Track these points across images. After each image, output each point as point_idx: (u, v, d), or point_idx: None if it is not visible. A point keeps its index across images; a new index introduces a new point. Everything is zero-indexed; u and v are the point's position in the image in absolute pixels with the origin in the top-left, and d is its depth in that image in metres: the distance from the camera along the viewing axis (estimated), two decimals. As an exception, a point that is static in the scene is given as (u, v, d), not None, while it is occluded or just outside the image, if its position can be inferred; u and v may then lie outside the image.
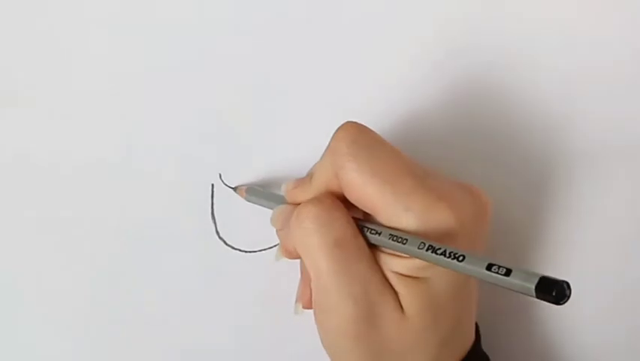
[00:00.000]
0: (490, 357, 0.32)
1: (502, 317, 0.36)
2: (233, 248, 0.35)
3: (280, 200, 0.33)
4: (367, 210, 0.29)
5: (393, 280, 0.28)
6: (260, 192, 0.35)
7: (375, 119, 0.33)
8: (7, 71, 0.35)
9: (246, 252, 0.35)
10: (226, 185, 0.35)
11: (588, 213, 0.36)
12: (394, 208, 0.27)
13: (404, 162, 0.28)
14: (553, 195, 0.36)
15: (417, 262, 0.27)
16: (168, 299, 0.35)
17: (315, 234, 0.28)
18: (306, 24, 0.36)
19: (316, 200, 0.29)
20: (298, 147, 0.35)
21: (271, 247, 0.35)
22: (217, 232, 0.35)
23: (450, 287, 0.28)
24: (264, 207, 0.33)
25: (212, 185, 0.35)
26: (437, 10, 0.36)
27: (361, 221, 0.29)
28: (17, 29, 0.35)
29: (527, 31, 0.36)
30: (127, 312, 0.35)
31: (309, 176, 0.31)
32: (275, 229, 0.32)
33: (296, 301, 0.33)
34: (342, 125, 0.29)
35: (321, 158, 0.30)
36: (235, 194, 0.35)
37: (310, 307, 0.31)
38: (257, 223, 0.35)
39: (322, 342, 0.30)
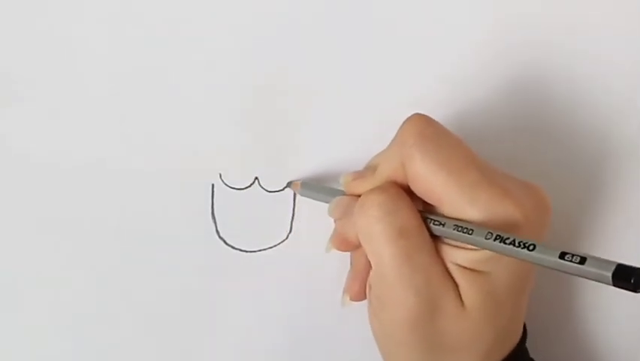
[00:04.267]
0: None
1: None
2: (233, 248, 0.35)
3: (336, 193, 0.33)
4: (432, 202, 0.29)
5: (455, 272, 0.28)
6: (314, 186, 0.35)
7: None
8: (6, 70, 0.35)
9: (246, 252, 0.36)
10: (227, 185, 0.35)
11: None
12: (460, 200, 0.27)
13: (469, 154, 0.28)
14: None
15: (480, 254, 0.27)
16: (168, 299, 0.35)
17: (379, 222, 0.28)
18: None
19: (381, 189, 0.29)
20: (304, 146, 0.36)
21: (271, 247, 0.35)
22: (217, 232, 0.35)
23: (509, 283, 0.28)
24: (319, 200, 0.33)
25: (213, 185, 0.35)
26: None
27: (424, 212, 0.29)
28: (17, 29, 0.35)
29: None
30: (127, 312, 0.35)
31: (371, 168, 0.31)
32: (332, 219, 0.33)
33: (343, 293, 0.33)
34: (410, 117, 0.29)
35: (387, 149, 0.30)
36: (235, 194, 0.35)
37: (359, 300, 0.32)
38: (257, 223, 0.35)
39: (375, 334, 0.31)
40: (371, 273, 0.29)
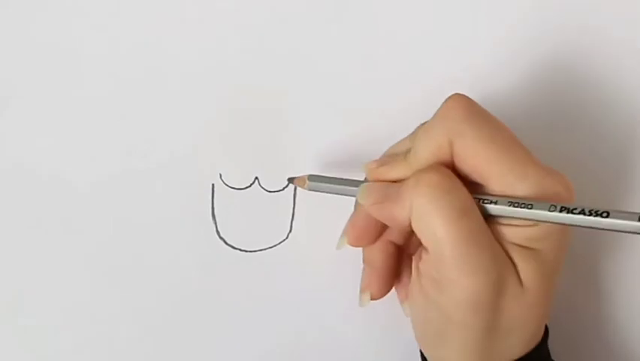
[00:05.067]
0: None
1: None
2: (233, 248, 0.35)
3: (353, 183, 0.31)
4: (479, 180, 0.28)
5: (512, 251, 0.28)
6: (325, 178, 0.33)
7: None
8: (5, 72, 0.35)
9: (246, 252, 0.36)
10: (227, 185, 0.35)
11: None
12: (510, 175, 0.27)
13: (512, 133, 0.28)
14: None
15: (534, 230, 0.27)
16: (168, 299, 0.35)
17: (438, 201, 0.27)
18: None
19: (433, 168, 0.28)
20: (304, 146, 0.36)
21: (271, 247, 0.35)
22: (217, 232, 0.35)
23: (555, 260, 0.28)
24: (332, 193, 0.32)
25: (213, 185, 0.35)
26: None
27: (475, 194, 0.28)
28: (17, 29, 0.35)
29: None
30: (127, 311, 0.35)
31: (399, 154, 0.30)
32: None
33: (361, 293, 0.32)
34: (452, 96, 0.28)
35: (424, 130, 0.29)
36: (235, 194, 0.35)
37: (380, 297, 0.31)
38: (257, 223, 0.35)
39: (422, 322, 0.30)
40: (425, 258, 0.28)
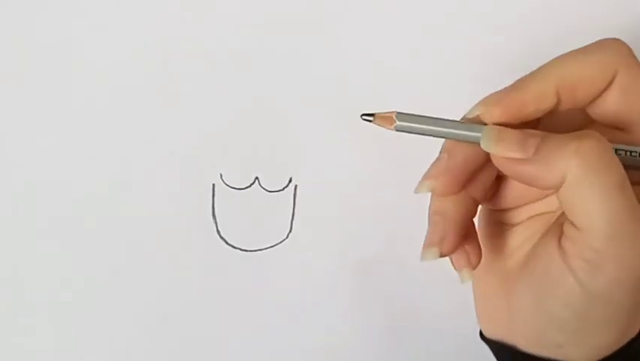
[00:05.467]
0: None
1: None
2: (233, 248, 0.35)
3: (451, 124, 0.26)
4: (628, 121, 0.27)
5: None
6: (416, 116, 0.27)
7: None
8: (6, 75, 0.35)
9: (246, 251, 0.36)
10: (227, 185, 0.35)
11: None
12: None
13: None
14: None
15: None
16: (168, 299, 0.35)
17: (601, 176, 0.24)
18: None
19: (593, 137, 0.25)
20: (304, 146, 0.36)
21: (271, 247, 0.36)
22: (218, 232, 0.35)
23: None
24: (426, 134, 0.27)
25: (213, 185, 0.35)
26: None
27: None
28: (16, 35, 0.35)
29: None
30: (127, 311, 0.35)
31: (520, 87, 0.27)
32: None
33: (428, 246, 0.28)
34: (608, 39, 0.27)
35: (586, 50, 0.27)
36: (235, 194, 0.35)
37: (449, 253, 0.27)
38: (257, 223, 0.36)
39: (569, 301, 0.26)
40: (571, 235, 0.26)
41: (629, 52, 0.27)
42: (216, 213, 0.35)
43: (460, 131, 0.26)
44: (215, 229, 0.35)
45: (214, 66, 0.35)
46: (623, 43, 0.27)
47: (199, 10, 0.35)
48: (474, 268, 0.28)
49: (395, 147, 0.32)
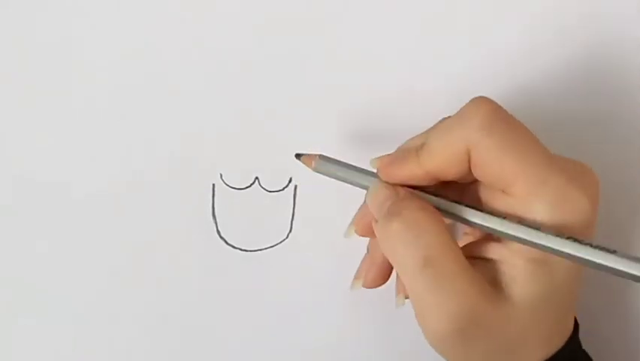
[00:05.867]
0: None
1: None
2: (233, 248, 0.35)
3: (364, 174, 0.31)
4: (499, 186, 0.28)
5: (512, 259, 0.28)
6: (336, 162, 0.31)
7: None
8: (6, 75, 0.35)
9: (246, 251, 0.36)
10: (227, 185, 0.35)
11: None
12: (532, 182, 0.27)
13: (534, 137, 0.28)
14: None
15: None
16: (168, 299, 0.35)
17: (405, 250, 0.27)
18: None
19: (405, 209, 0.28)
20: (304, 146, 0.36)
21: (271, 247, 0.35)
22: (218, 232, 0.35)
23: (567, 270, 0.28)
24: (340, 180, 0.31)
25: (213, 185, 0.35)
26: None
27: (482, 210, 0.28)
28: (16, 35, 0.35)
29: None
30: (127, 312, 0.35)
31: (411, 149, 0.29)
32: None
33: (355, 278, 0.33)
34: (476, 99, 0.28)
35: (442, 130, 0.29)
36: (235, 194, 0.35)
37: (371, 287, 0.32)
38: (257, 223, 0.36)
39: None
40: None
41: (484, 123, 0.27)
42: (216, 213, 0.35)
43: (364, 183, 0.30)
44: (215, 229, 0.35)
45: (214, 66, 0.35)
46: (480, 112, 0.27)
47: (199, 10, 0.35)
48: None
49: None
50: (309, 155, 0.32)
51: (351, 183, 0.31)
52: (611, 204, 0.35)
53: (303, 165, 0.32)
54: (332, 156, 0.32)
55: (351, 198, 0.34)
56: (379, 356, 0.36)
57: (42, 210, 0.35)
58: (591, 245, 0.26)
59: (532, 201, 0.27)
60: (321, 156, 0.32)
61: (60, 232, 0.35)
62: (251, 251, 0.36)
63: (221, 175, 0.35)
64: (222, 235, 0.35)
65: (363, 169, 0.31)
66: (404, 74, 0.36)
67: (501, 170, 0.27)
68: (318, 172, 0.31)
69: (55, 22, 0.35)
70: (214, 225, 0.35)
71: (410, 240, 0.27)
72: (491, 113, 0.27)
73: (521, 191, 0.27)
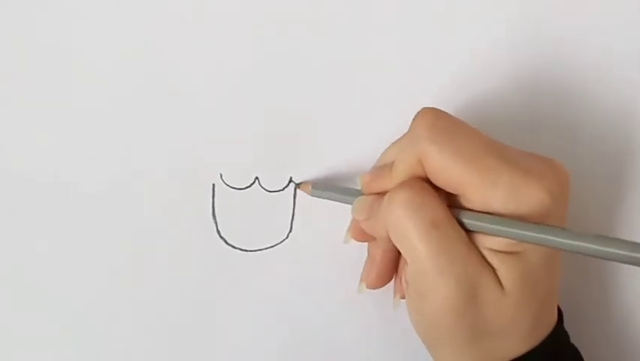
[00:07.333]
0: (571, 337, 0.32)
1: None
2: (233, 248, 0.35)
3: (352, 193, 0.33)
4: (455, 192, 0.29)
5: (491, 257, 0.29)
6: (327, 186, 0.35)
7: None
8: (6, 75, 0.35)
9: (246, 251, 0.36)
10: (227, 185, 0.35)
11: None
12: (481, 185, 0.27)
13: (485, 140, 0.29)
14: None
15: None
16: (168, 299, 0.35)
17: (410, 219, 0.28)
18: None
19: (406, 185, 0.29)
20: (304, 146, 0.36)
21: (271, 247, 0.36)
22: (218, 232, 0.35)
23: (543, 260, 0.29)
24: (334, 201, 0.34)
25: (213, 185, 0.35)
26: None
27: (454, 208, 0.29)
28: (16, 35, 0.35)
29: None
30: (127, 312, 0.35)
31: (386, 166, 0.31)
32: (358, 220, 0.33)
33: (360, 282, 0.34)
34: (420, 111, 0.29)
35: (400, 146, 0.31)
36: (236, 194, 0.35)
37: (375, 288, 0.33)
38: (257, 223, 0.36)
39: (417, 326, 0.31)
40: (407, 270, 0.30)
41: (428, 134, 0.28)
42: (216, 213, 0.35)
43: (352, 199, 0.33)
44: (215, 229, 0.35)
45: (214, 66, 0.35)
46: (424, 124, 0.29)
47: (199, 10, 0.36)
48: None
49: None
50: (304, 183, 0.35)
51: (345, 203, 0.33)
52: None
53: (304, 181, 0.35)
54: (330, 160, 0.34)
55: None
56: (379, 356, 0.36)
57: (42, 210, 0.35)
58: (561, 228, 0.27)
59: (488, 204, 0.28)
60: (313, 185, 0.35)
61: (60, 232, 0.35)
62: (251, 251, 0.36)
63: (221, 175, 0.35)
64: (222, 235, 0.35)
65: (351, 189, 0.34)
66: (404, 74, 0.36)
67: (451, 177, 0.28)
68: (314, 196, 0.35)
69: (55, 22, 0.35)
70: (214, 225, 0.35)
71: (416, 207, 0.28)
72: (434, 122, 0.29)
73: (474, 196, 0.28)
